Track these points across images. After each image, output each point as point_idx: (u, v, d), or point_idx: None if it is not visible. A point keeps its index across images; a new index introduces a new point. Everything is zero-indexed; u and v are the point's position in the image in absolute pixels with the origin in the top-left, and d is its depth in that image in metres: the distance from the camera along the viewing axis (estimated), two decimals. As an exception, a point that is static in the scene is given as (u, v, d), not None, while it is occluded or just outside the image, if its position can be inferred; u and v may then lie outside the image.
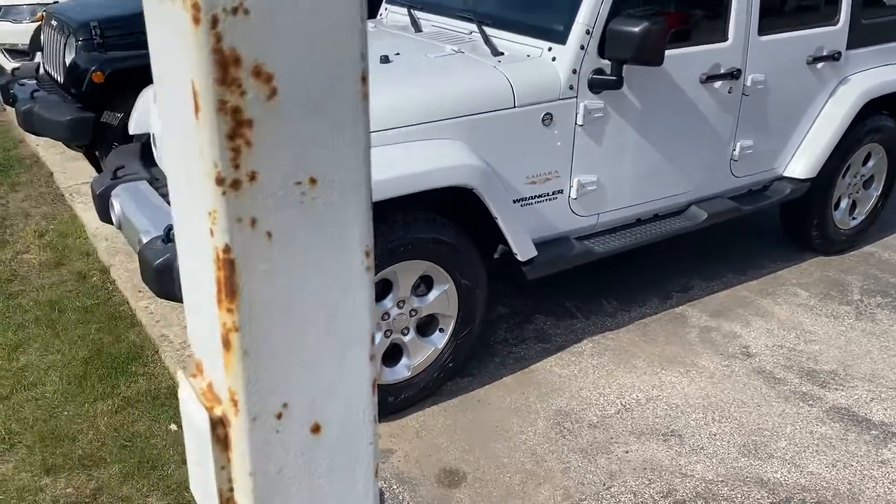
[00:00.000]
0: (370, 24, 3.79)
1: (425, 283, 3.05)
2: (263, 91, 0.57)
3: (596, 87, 3.21)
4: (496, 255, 3.33)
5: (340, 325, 0.67)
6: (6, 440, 2.77)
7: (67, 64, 4.71)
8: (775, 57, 3.79)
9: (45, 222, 4.52)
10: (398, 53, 3.30)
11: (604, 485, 2.79)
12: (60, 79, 4.86)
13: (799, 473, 2.86)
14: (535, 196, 3.28)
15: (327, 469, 0.72)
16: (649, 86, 3.38)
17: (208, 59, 0.54)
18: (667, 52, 3.13)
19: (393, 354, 3.08)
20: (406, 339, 3.05)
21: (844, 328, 3.84)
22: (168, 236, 2.88)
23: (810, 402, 3.28)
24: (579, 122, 3.25)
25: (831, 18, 3.98)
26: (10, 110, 5.56)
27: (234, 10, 0.53)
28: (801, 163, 4.11)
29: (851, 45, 4.07)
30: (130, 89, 4.59)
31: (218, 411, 0.66)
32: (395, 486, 2.77)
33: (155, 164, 3.68)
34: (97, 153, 4.97)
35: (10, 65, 6.47)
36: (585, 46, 3.15)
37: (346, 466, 0.74)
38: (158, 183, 3.49)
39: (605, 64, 3.16)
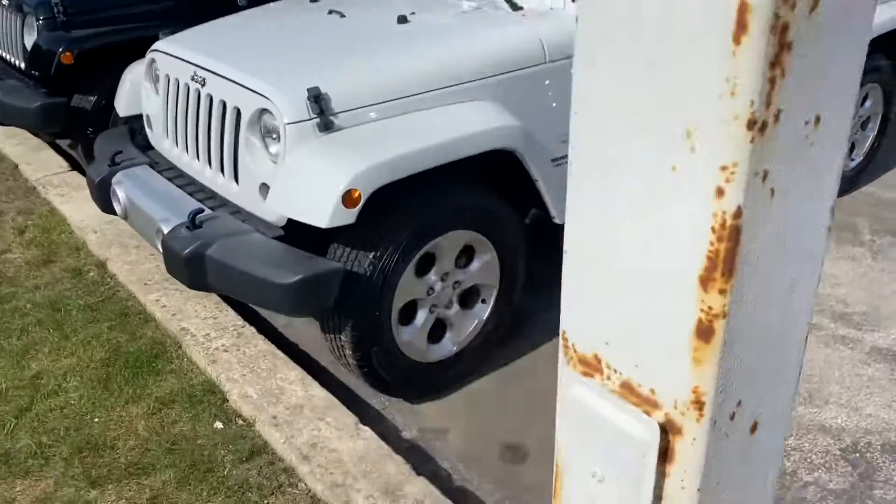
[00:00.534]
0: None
1: (465, 254, 2.92)
2: (808, 2, 0.43)
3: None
4: (526, 220, 3.22)
5: (794, 301, 0.55)
6: (38, 454, 2.56)
7: (29, 47, 4.36)
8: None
9: (22, 218, 4.21)
10: (413, 13, 3.12)
11: (670, 445, 2.73)
12: (20, 63, 4.51)
13: (858, 417, 2.86)
14: (566, 155, 3.17)
15: (750, 475, 0.60)
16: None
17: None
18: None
19: (435, 331, 2.94)
20: (450, 313, 2.92)
21: (864, 269, 3.86)
22: (194, 222, 2.67)
23: (850, 345, 3.28)
24: (607, 76, 3.14)
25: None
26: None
27: None
28: (808, 107, 4.09)
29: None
30: (102, 70, 4.29)
31: (658, 417, 0.53)
32: (460, 467, 2.65)
33: (150, 147, 3.43)
34: (70, 141, 4.64)
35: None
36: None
37: (764, 466, 0.62)
38: (159, 166, 3.26)
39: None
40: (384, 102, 2.67)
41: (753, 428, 0.57)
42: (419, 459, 2.59)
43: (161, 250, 2.79)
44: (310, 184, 2.46)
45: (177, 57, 3.08)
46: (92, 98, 4.34)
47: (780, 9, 0.42)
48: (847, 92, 0.51)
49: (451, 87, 2.79)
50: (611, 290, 0.52)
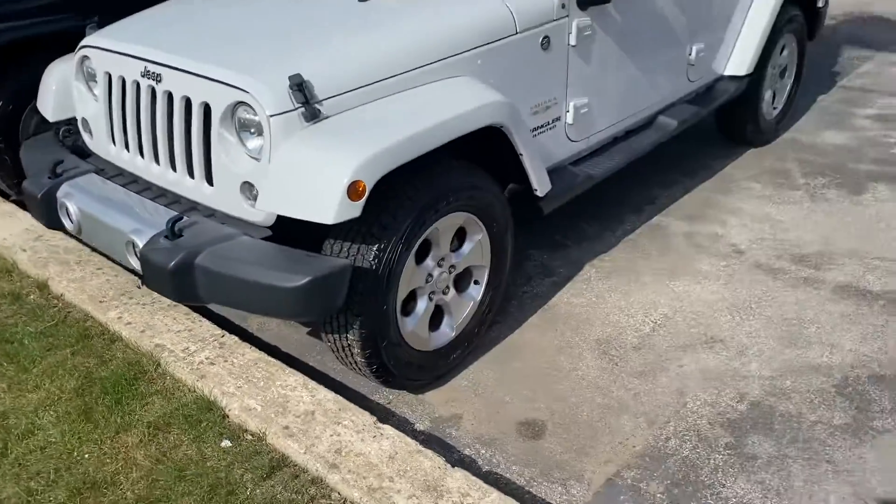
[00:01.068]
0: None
1: (456, 237, 2.84)
2: None
3: (585, 1, 3.09)
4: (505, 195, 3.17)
5: None
6: (31, 502, 2.32)
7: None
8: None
9: (-68, 244, 3.79)
10: (372, -10, 2.97)
11: (679, 402, 2.79)
12: None
13: (841, 353, 3.00)
14: (539, 126, 3.14)
15: None
16: (629, -3, 3.30)
17: None
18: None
19: (433, 318, 2.86)
20: (447, 298, 2.85)
21: (806, 212, 4.05)
22: (174, 231, 2.47)
23: (815, 285, 3.44)
24: (572, 42, 3.12)
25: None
26: None
27: None
28: (739, 59, 4.23)
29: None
30: (6, 70, 3.90)
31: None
32: (481, 451, 2.61)
33: (89, 154, 3.15)
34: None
35: None
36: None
37: None
38: (106, 173, 2.99)
39: (591, -23, 3.05)
40: (366, 86, 2.54)
41: None
42: (441, 450, 2.52)
43: (135, 264, 2.56)
44: (308, 178, 2.31)
45: (119, 52, 2.81)
46: (-3, 103, 3.93)
47: None
48: None
49: (429, 64, 2.69)
50: None
